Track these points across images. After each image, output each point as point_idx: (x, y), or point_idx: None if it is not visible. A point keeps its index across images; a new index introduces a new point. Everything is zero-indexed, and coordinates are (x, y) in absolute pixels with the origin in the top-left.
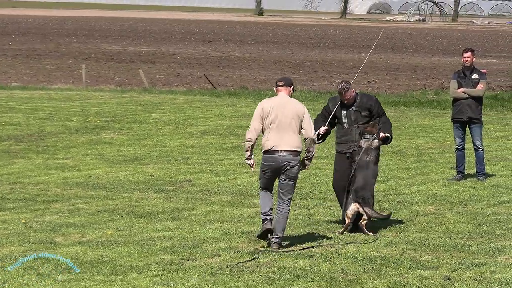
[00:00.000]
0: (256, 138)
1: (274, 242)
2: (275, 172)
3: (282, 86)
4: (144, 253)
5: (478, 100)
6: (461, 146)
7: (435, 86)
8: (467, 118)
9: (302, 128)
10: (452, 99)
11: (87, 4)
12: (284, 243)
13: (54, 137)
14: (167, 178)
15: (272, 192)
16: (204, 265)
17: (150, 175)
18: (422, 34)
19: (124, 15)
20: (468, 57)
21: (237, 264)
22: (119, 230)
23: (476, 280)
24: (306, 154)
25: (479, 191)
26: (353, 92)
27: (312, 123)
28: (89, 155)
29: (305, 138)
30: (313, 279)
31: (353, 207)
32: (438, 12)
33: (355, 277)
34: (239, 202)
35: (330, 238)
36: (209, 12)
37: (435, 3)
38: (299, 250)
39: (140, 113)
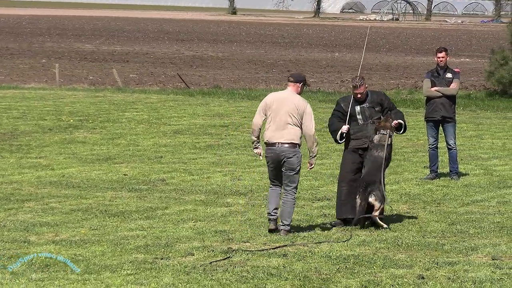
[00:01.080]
0: (260, 129)
1: (282, 230)
2: (276, 164)
3: (291, 82)
4: (118, 252)
5: (452, 99)
6: (435, 145)
7: (409, 85)
8: (440, 117)
9: (302, 124)
10: (425, 98)
11: (60, 3)
12: (290, 232)
13: (27, 136)
14: (141, 177)
15: (280, 186)
16: (178, 264)
17: (124, 174)
18: (395, 33)
19: (97, 14)
20: (442, 57)
21: (210, 263)
22: (92, 229)
23: (450, 279)
24: (310, 153)
25: (453, 190)
26: (366, 86)
27: (313, 121)
28: (62, 154)
29: (305, 135)
30: (286, 278)
31: (358, 200)
32: (411, 11)
33: (328, 276)
34: (212, 201)
35: (304, 237)
36: (183, 11)
37: (408, 2)
38: (273, 249)
39: (113, 112)
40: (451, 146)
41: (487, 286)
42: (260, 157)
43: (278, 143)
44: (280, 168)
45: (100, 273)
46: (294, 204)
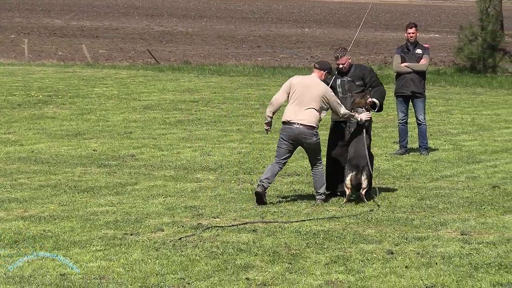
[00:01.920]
0: (279, 107)
1: (318, 199)
2: (291, 142)
3: (316, 68)
4: (87, 228)
5: (421, 74)
6: (404, 120)
7: (378, 61)
8: (410, 93)
9: (332, 109)
10: (395, 73)
11: None
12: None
13: None
14: (110, 152)
15: (282, 166)
16: (147, 240)
17: (93, 150)
18: (365, 9)
19: None
20: (412, 33)
21: (180, 238)
22: (62, 205)
23: (419, 254)
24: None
25: (422, 165)
26: (349, 59)
27: (337, 103)
28: (31, 129)
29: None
30: (256, 253)
31: (349, 177)
32: None
33: (298, 251)
34: (182, 176)
35: (274, 212)
36: None
37: None
38: (242, 224)
39: (83, 88)
40: (420, 121)
41: (456, 261)
42: (268, 133)
43: (298, 123)
44: (291, 148)
45: (69, 249)
46: (324, 173)
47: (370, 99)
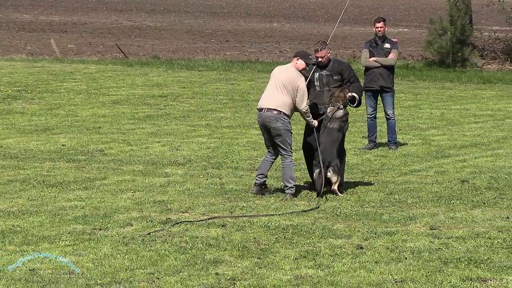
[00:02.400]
0: None
1: (287, 193)
2: (264, 130)
3: (293, 57)
4: (56, 222)
5: (390, 69)
6: (373, 115)
7: (347, 55)
8: (379, 87)
9: (296, 98)
10: (364, 68)
11: None
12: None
13: None
14: (79, 147)
15: (273, 156)
16: (116, 235)
17: (62, 145)
18: (334, 4)
19: None
20: (380, 27)
21: (149, 233)
22: (30, 200)
23: (388, 248)
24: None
25: (391, 160)
26: (329, 53)
27: (302, 96)
28: (0, 125)
29: (297, 109)
30: (225, 248)
31: (316, 172)
32: None
33: (267, 246)
34: (151, 171)
35: (243, 207)
36: None
37: None
38: (211, 219)
39: (51, 83)
40: (389, 116)
41: (425, 255)
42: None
43: (264, 109)
44: (268, 135)
45: (38, 244)
46: (293, 166)
47: (350, 94)
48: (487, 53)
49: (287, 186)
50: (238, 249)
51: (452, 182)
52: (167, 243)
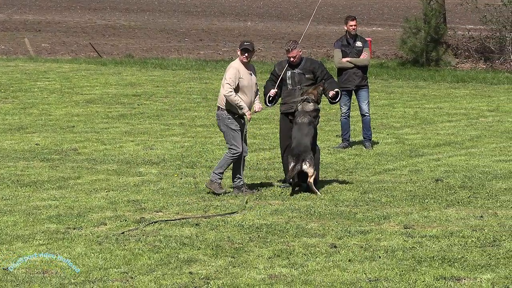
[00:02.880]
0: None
1: (210, 179)
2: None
3: None
4: (30, 222)
5: (364, 68)
6: (347, 114)
7: (321, 55)
8: (354, 87)
9: None
10: (337, 68)
11: None
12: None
13: None
14: (53, 147)
15: (244, 155)
16: (90, 234)
17: (36, 144)
18: (307, 2)
19: None
20: (354, 25)
21: (122, 232)
22: (4, 199)
23: (362, 247)
24: None
25: (365, 159)
26: (300, 52)
27: (225, 83)
28: None
29: None
30: (199, 247)
31: (291, 166)
32: None
33: (241, 245)
34: (125, 170)
35: (217, 206)
36: None
37: None
38: (185, 218)
39: (25, 82)
40: (364, 112)
41: (399, 254)
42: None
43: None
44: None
45: (12, 243)
46: (227, 160)
47: (333, 92)
48: (461, 52)
49: (213, 172)
50: (212, 248)
51: (426, 181)
52: (141, 242)
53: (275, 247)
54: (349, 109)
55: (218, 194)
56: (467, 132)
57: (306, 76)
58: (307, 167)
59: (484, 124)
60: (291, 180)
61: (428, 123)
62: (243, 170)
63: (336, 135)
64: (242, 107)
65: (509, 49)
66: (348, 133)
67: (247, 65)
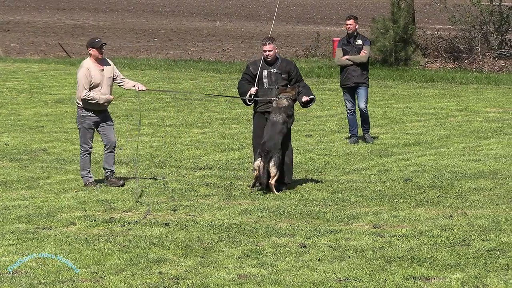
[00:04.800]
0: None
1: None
2: None
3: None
4: None
5: (363, 65)
6: (352, 109)
7: (290, 55)
8: (353, 84)
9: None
10: (339, 66)
11: None
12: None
13: None
14: (22, 147)
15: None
16: (60, 234)
17: (5, 144)
18: (276, 2)
19: None
20: (350, 24)
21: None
22: None
23: (331, 247)
24: None
25: (334, 158)
26: (276, 49)
27: (80, 84)
28: None
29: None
30: (168, 247)
31: (257, 161)
32: None
33: (210, 245)
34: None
35: (186, 206)
36: None
37: None
38: (155, 218)
39: None
40: (362, 109)
41: (368, 254)
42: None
43: None
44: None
45: None
46: (83, 159)
47: (307, 97)
48: (430, 51)
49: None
50: (182, 248)
51: (396, 181)
52: (110, 242)
53: (244, 247)
54: (354, 105)
55: (120, 185)
56: (436, 132)
57: (283, 76)
58: (271, 166)
59: (453, 124)
60: (255, 170)
61: (397, 123)
62: (113, 162)
63: (305, 135)
64: (102, 99)
65: (478, 49)
66: (356, 128)
67: (100, 61)
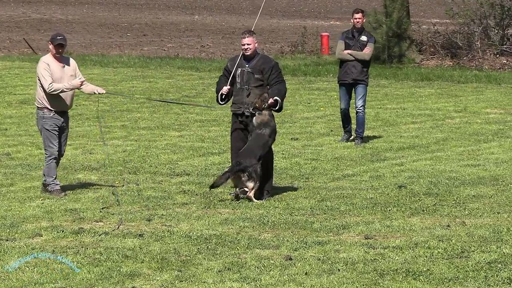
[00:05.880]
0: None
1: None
2: None
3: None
4: None
5: (364, 62)
6: (346, 109)
7: (275, 51)
8: (352, 80)
9: None
10: (339, 60)
11: None
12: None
13: None
14: None
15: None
16: (25, 246)
17: None
18: None
19: None
20: (359, 18)
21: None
22: None
23: (320, 259)
24: None
25: (322, 163)
26: (256, 43)
27: (41, 79)
28: None
29: None
30: (143, 260)
31: (229, 169)
32: None
33: (188, 258)
34: (62, 177)
35: (162, 215)
36: None
37: None
38: (128, 228)
39: None
40: (358, 108)
41: (359, 267)
42: None
43: None
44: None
45: None
46: (48, 165)
47: (272, 100)
48: (425, 48)
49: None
50: (157, 261)
51: (389, 188)
52: (80, 254)
53: (225, 259)
54: (348, 104)
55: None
56: (433, 135)
57: (255, 76)
58: (246, 180)
59: (451, 126)
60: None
61: (391, 125)
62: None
63: (291, 138)
64: (67, 87)
65: (478, 45)
66: (350, 125)
67: (60, 58)
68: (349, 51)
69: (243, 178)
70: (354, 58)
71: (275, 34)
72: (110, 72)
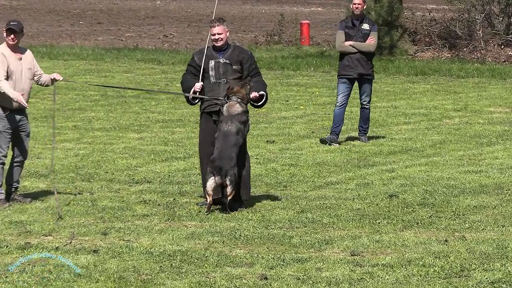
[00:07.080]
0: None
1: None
2: None
3: None
4: None
5: (369, 55)
6: (343, 104)
7: (247, 41)
8: (357, 75)
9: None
10: (339, 53)
11: None
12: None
13: None
14: None
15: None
16: None
17: None
18: None
19: None
20: (358, 4)
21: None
22: None
23: (299, 279)
24: None
25: (302, 170)
26: (227, 32)
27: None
28: None
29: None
30: (98, 279)
31: (211, 182)
32: None
33: (150, 277)
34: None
35: (120, 228)
36: None
37: None
38: (80, 243)
39: None
40: (365, 104)
41: (345, 287)
42: None
43: None
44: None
45: None
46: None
47: (256, 93)
48: (420, 37)
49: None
50: (114, 280)
51: (378, 197)
52: (26, 273)
53: (191, 279)
54: (347, 99)
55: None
56: (428, 137)
57: (234, 67)
58: (227, 184)
59: (449, 127)
60: (208, 195)
61: (380, 126)
62: (19, 176)
63: (267, 141)
64: (12, 95)
65: (480, 35)
66: (340, 126)
67: (15, 48)
68: (351, 43)
69: (226, 182)
70: (357, 50)
71: (248, 22)
72: (60, 65)
